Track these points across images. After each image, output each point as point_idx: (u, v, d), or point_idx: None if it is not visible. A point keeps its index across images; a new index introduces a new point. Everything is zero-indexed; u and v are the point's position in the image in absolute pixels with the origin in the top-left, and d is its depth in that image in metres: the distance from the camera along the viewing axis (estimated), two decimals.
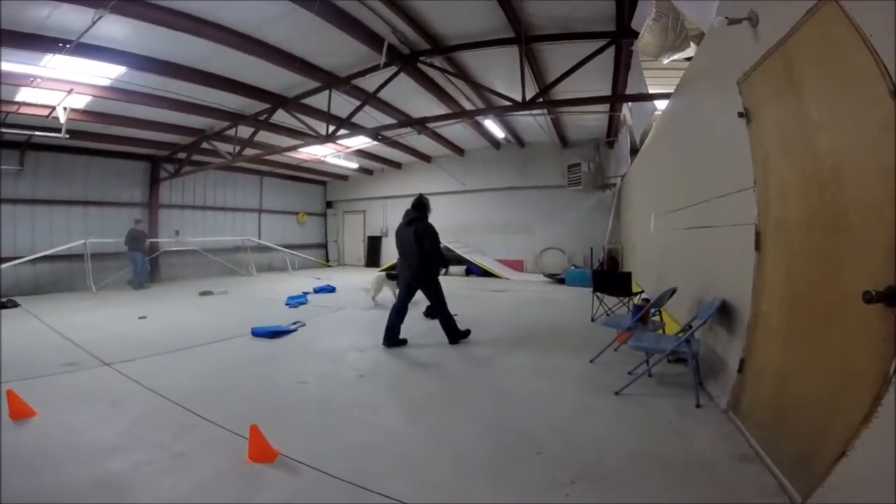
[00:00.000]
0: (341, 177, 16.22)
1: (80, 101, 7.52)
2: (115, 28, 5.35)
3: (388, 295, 7.84)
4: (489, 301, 7.89)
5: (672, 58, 4.47)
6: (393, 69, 6.55)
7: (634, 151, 8.75)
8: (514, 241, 12.58)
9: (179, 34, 5.45)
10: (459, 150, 13.03)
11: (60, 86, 6.80)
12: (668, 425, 2.71)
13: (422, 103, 8.06)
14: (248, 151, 9.82)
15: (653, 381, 3.51)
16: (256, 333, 5.27)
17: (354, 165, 13.77)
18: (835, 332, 1.89)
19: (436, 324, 5.00)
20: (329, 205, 17.31)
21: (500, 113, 7.54)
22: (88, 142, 9.77)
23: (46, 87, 6.73)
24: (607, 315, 5.95)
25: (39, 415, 2.89)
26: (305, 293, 8.68)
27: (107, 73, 6.53)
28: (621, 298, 6.05)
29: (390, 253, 14.78)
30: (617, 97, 6.80)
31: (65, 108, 7.38)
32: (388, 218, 15.49)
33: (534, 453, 2.36)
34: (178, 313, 7.09)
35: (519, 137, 11.81)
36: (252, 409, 3.03)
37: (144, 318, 6.60)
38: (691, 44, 4.24)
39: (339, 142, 11.13)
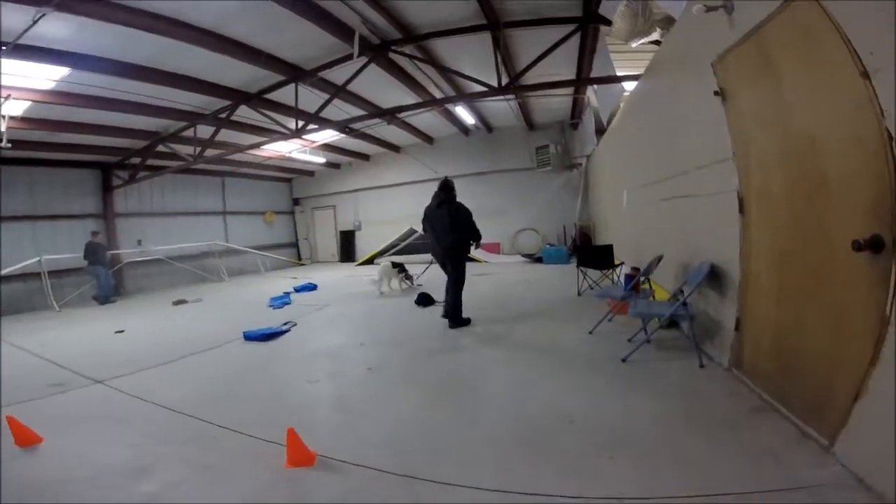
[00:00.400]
0: (307, 173, 15.84)
1: (19, 108, 6.91)
2: (56, 27, 4.93)
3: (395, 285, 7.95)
4: (475, 285, 7.96)
5: (640, 42, 4.68)
6: (363, 60, 6.45)
7: (600, 132, 9.05)
8: (488, 225, 12.56)
9: (129, 30, 5.09)
10: (429, 139, 13.01)
11: None
12: (679, 387, 2.93)
13: (392, 93, 7.99)
14: (210, 152, 9.40)
15: (652, 346, 3.72)
16: (248, 337, 5.16)
17: (322, 160, 13.48)
18: (827, 286, 2.10)
19: (433, 315, 5.09)
20: (296, 202, 16.89)
21: (476, 99, 7.54)
22: (29, 151, 9.04)
23: None
24: (591, 288, 6.25)
25: (46, 440, 2.74)
26: (287, 293, 8.52)
27: (48, 75, 6.03)
28: (604, 271, 6.36)
29: (364, 246, 14.72)
30: (588, 80, 6.98)
31: (3, 116, 6.83)
32: (360, 211, 15.32)
33: (565, 423, 2.50)
34: (157, 325, 6.82)
35: (487, 123, 11.94)
36: (268, 413, 2.98)
37: (122, 332, 6.31)
38: (657, 28, 4.47)
39: (305, 137, 10.90)
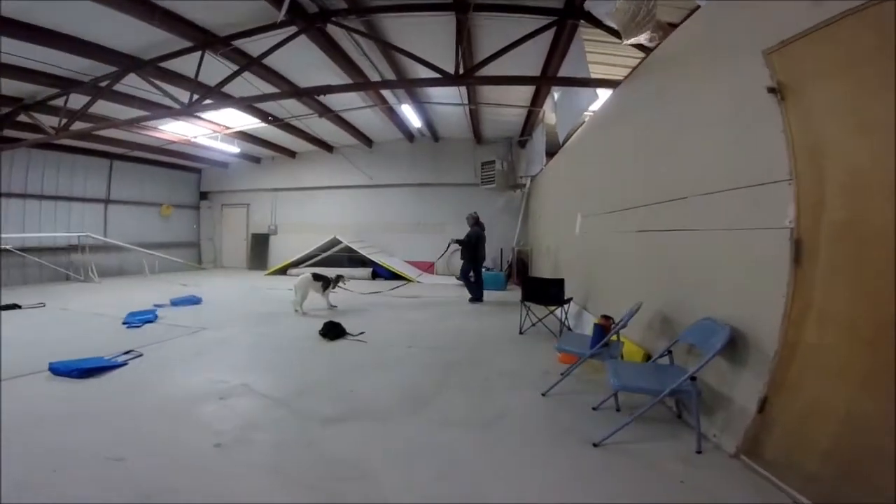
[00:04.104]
0: (220, 164, 13.69)
1: None
2: None
3: (317, 302, 6.53)
4: (405, 312, 6.78)
5: (631, 40, 3.97)
6: (292, 30, 5.17)
7: (551, 154, 8.37)
8: (423, 242, 11.58)
9: None
10: (368, 141, 11.68)
11: None
12: (680, 482, 2.09)
13: (326, 77, 6.61)
14: (81, 126, 7.40)
15: (622, 416, 2.79)
16: (57, 370, 3.54)
17: (235, 150, 11.52)
18: None
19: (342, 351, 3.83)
20: (203, 196, 14.52)
21: (428, 86, 6.39)
22: None
23: None
24: (534, 325, 5.29)
25: None
26: (158, 306, 6.72)
27: None
28: (550, 308, 5.41)
29: (279, 254, 12.94)
30: (555, 79, 5.98)
31: None
32: (278, 213, 13.48)
33: None
34: None
35: (434, 130, 10.90)
36: None
37: None
38: (648, 30, 3.76)
39: (216, 120, 9.14)
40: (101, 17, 4.84)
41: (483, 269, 10.30)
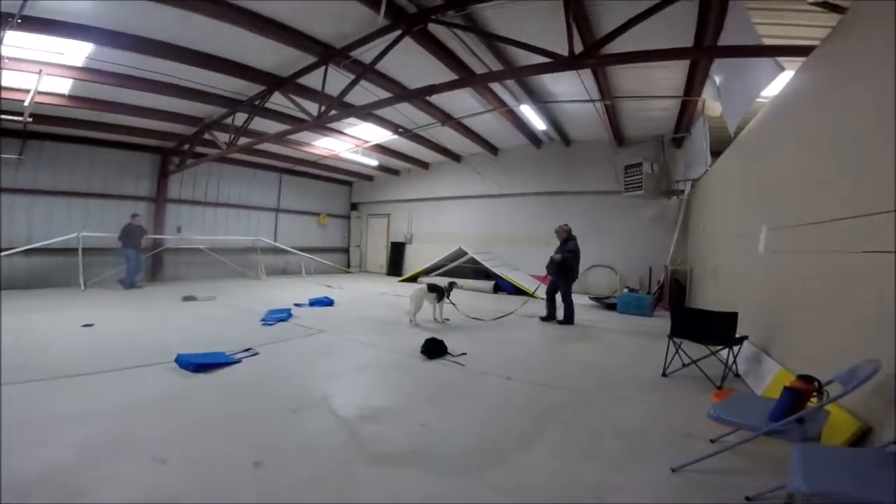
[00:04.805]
0: (366, 177, 14.95)
1: (64, 86, 6.83)
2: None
3: (428, 314, 6.43)
4: (517, 332, 6.10)
5: None
6: (396, 34, 5.16)
7: (718, 151, 6.77)
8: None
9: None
10: (492, 149, 11.35)
11: (29, 66, 5.98)
12: None
13: (436, 78, 6.44)
14: (243, 140, 8.61)
15: None
16: (180, 362, 3.86)
17: (374, 163, 12.35)
18: None
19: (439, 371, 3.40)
20: (354, 206, 16.05)
21: (538, 73, 5.63)
22: (90, 131, 9.09)
23: (15, 67, 5.87)
24: (685, 366, 4.08)
25: None
26: (298, 305, 7.32)
27: (76, 51, 5.78)
28: (712, 348, 4.11)
29: (412, 262, 13.44)
30: (713, 50, 4.63)
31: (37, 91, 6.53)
32: (413, 223, 14.01)
33: None
34: (135, 322, 5.91)
35: (564, 133, 9.98)
36: None
37: (90, 325, 5.45)
38: None
39: (355, 134, 9.86)
40: (238, 37, 5.42)
41: (626, 290, 8.99)
